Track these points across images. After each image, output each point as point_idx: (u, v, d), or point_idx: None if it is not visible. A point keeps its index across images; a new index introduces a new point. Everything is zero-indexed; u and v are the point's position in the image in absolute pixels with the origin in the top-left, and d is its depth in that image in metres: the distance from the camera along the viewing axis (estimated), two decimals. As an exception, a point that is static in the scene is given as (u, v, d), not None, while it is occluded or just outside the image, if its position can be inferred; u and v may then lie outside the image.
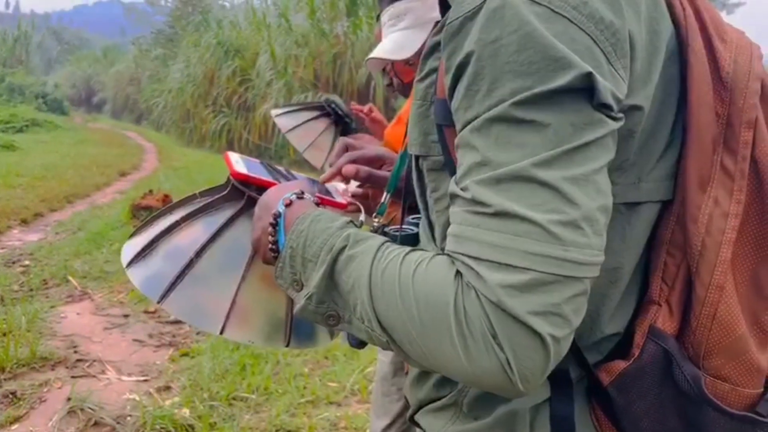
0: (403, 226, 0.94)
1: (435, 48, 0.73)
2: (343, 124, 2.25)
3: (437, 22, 1.51)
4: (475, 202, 0.60)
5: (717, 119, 0.67)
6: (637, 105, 0.63)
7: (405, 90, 1.87)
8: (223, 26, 18.53)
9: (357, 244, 0.68)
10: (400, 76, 1.79)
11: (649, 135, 0.67)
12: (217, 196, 0.96)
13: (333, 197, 1.06)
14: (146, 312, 4.09)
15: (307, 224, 0.73)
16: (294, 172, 1.09)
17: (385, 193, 0.98)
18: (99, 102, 40.22)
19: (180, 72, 19.99)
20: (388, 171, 1.03)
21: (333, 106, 2.25)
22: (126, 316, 4.07)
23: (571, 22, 0.58)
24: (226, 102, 16.60)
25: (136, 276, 0.91)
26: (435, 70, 0.72)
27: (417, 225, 0.92)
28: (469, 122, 0.62)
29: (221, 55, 17.04)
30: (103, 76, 39.71)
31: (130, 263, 0.92)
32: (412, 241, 0.89)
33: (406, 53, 1.55)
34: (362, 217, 1.03)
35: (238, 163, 0.97)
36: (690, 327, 0.68)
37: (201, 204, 0.95)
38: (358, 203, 1.12)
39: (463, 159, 0.62)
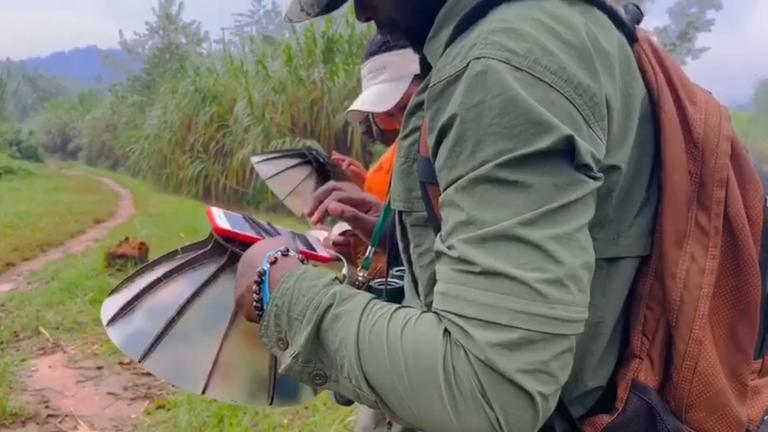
0: (389, 280, 0.94)
1: (418, 107, 0.75)
2: (324, 172, 2.26)
3: (416, 76, 1.57)
4: (461, 260, 0.60)
5: (690, 178, 0.69)
6: (614, 165, 0.66)
7: (385, 138, 1.91)
8: (201, 73, 18.67)
9: (343, 302, 0.68)
10: (380, 126, 1.83)
11: (626, 192, 0.69)
12: (199, 252, 0.95)
13: (316, 251, 1.06)
14: (121, 363, 3.99)
15: (293, 282, 0.73)
16: (277, 226, 1.09)
17: (369, 247, 0.99)
18: (74, 149, 39.95)
19: (157, 118, 19.99)
20: (375, 216, 1.04)
21: (314, 153, 2.26)
22: (99, 368, 3.97)
23: (551, 86, 0.60)
24: (203, 148, 16.60)
25: (116, 334, 0.90)
26: (418, 128, 0.74)
27: (402, 278, 0.92)
28: (453, 182, 0.63)
29: (198, 101, 17.13)
30: (78, 123, 39.55)
31: (111, 321, 0.91)
32: (397, 294, 0.90)
33: (386, 105, 1.59)
34: (345, 270, 1.04)
35: (221, 218, 0.97)
36: (671, 380, 0.69)
37: (183, 260, 0.95)
38: (341, 256, 1.12)
39: (449, 217, 0.63)
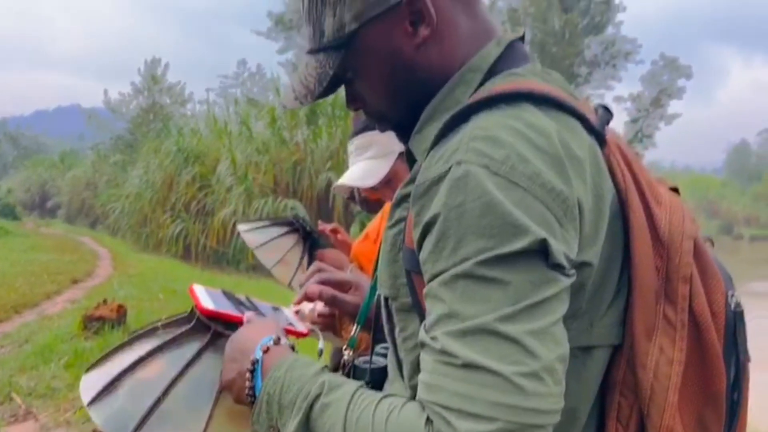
0: (372, 359, 0.96)
1: (404, 199, 0.80)
2: (311, 240, 2.28)
3: (401, 153, 1.64)
4: (444, 352, 0.64)
5: (657, 274, 0.74)
6: (586, 261, 0.70)
7: (368, 206, 1.98)
8: (184, 133, 18.79)
9: (332, 392, 0.71)
10: (363, 195, 1.91)
11: (598, 286, 0.73)
12: (181, 330, 0.97)
13: (294, 326, 1.09)
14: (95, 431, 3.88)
15: (284, 371, 0.76)
16: (255, 301, 1.11)
17: (355, 326, 1.02)
18: (53, 206, 39.51)
19: (139, 177, 19.95)
20: (354, 296, 1.08)
21: (301, 221, 2.29)
22: (72, 437, 3.86)
23: (527, 191, 0.65)
24: (184, 207, 16.57)
25: (98, 415, 0.90)
26: (403, 219, 0.79)
27: (385, 355, 0.95)
28: (436, 275, 0.67)
29: (181, 161, 17.17)
30: (58, 181, 39.27)
31: (92, 401, 0.91)
32: (381, 373, 0.92)
33: (372, 181, 1.65)
34: (321, 344, 1.06)
35: (203, 296, 0.99)
36: None
37: (165, 339, 0.96)
38: (316, 329, 1.15)
39: (432, 309, 0.67)
